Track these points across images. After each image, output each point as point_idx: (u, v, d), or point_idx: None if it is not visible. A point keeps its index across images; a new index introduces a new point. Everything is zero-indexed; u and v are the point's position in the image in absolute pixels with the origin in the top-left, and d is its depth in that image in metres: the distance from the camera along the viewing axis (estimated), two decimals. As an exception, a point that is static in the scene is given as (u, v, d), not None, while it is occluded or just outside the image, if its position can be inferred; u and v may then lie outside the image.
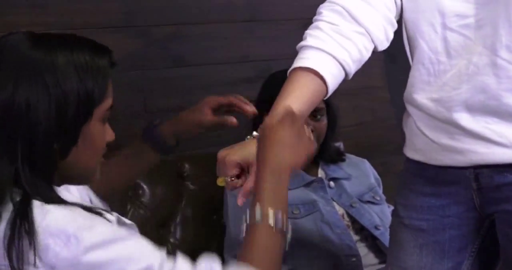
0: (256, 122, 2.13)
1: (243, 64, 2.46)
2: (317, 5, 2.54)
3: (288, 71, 1.46)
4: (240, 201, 1.37)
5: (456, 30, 1.47)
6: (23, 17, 2.08)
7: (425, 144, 1.55)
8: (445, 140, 1.51)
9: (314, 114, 2.13)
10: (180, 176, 2.27)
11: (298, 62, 1.44)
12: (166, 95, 2.15)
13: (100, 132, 1.30)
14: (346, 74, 1.45)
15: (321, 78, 1.41)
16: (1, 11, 2.04)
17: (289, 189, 1.99)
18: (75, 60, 1.22)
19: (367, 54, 1.49)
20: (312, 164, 2.22)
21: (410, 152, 1.59)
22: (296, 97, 1.41)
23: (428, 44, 1.51)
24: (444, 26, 1.48)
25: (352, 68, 1.45)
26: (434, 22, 1.49)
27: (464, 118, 1.47)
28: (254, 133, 1.41)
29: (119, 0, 2.25)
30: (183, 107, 2.22)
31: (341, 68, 1.44)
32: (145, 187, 2.10)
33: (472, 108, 1.46)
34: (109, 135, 1.33)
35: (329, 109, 2.09)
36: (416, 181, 1.58)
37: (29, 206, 1.16)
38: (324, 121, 2.10)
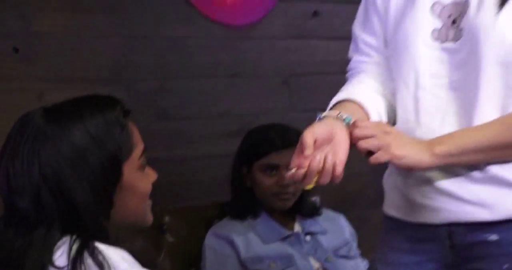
0: (235, 175, 2.24)
1: (226, 119, 2.49)
2: (298, 62, 2.61)
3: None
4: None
5: (428, 90, 1.49)
6: (15, 70, 2.08)
7: (402, 201, 1.55)
8: (420, 198, 1.50)
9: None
10: (160, 228, 2.23)
11: (337, 98, 1.48)
12: (149, 147, 2.15)
13: (139, 180, 1.30)
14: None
15: (365, 111, 1.46)
16: (-7, 64, 2.07)
17: (266, 243, 2.01)
18: (89, 129, 1.22)
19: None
20: (288, 218, 2.20)
21: (389, 209, 1.58)
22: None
23: (401, 103, 1.52)
24: (417, 85, 1.49)
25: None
26: (408, 81, 1.50)
27: (437, 178, 1.48)
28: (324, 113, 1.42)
29: (107, 54, 2.27)
30: (166, 160, 2.32)
31: (376, 111, 1.49)
32: (124, 238, 2.06)
33: (446, 168, 1.46)
34: (152, 176, 1.34)
35: None
36: (394, 238, 1.58)
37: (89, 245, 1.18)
38: None
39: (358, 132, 1.37)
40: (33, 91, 2.06)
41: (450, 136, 1.43)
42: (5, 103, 2.00)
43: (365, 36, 1.59)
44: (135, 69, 2.31)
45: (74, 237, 1.19)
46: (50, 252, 1.17)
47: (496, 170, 1.44)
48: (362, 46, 1.59)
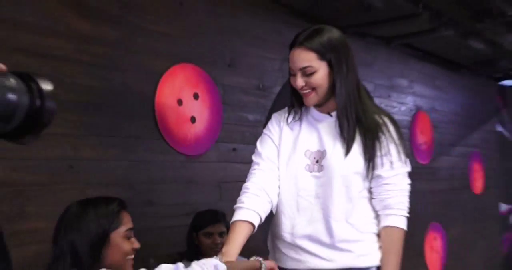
0: (189, 237, 2.28)
1: (185, 206, 2.50)
2: (225, 175, 2.68)
3: (231, 221, 1.45)
4: None
5: (303, 198, 1.51)
6: (69, 179, 2.04)
7: (281, 256, 1.55)
8: (293, 254, 1.53)
9: (221, 235, 2.20)
10: (147, 265, 1.95)
11: (238, 216, 1.44)
12: (143, 221, 2.15)
13: (122, 244, 1.32)
14: (261, 222, 1.47)
15: (252, 225, 1.43)
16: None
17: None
18: (97, 212, 1.31)
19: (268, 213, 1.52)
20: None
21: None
22: (237, 243, 1.39)
23: (287, 203, 1.53)
24: (298, 195, 1.51)
25: (263, 220, 1.49)
26: (292, 192, 1.52)
27: (306, 244, 1.50)
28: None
29: (120, 172, 2.24)
30: (152, 228, 2.30)
31: (259, 219, 1.45)
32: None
33: (311, 239, 1.49)
34: (134, 244, 1.36)
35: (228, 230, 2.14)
36: None
37: None
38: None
39: None
40: (79, 190, 2.03)
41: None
42: (64, 198, 1.89)
43: (264, 151, 1.54)
44: (133, 178, 2.31)
45: None
46: None
47: (340, 245, 1.48)
48: (263, 156, 1.54)
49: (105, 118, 2.22)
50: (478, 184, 5.29)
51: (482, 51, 4.35)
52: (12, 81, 0.57)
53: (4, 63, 0.60)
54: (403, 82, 4.35)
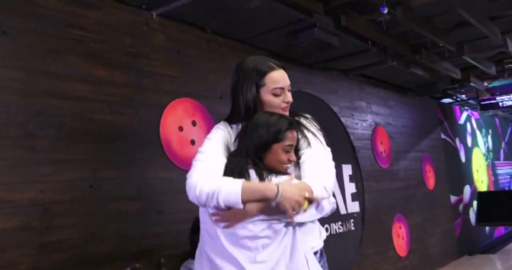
0: (192, 243, 1.97)
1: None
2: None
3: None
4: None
5: None
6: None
7: None
8: None
9: None
10: (158, 264, 1.92)
11: None
12: None
13: (280, 155, 1.29)
14: None
15: None
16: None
17: None
18: (269, 125, 1.28)
19: None
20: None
21: None
22: None
23: None
24: None
25: None
26: None
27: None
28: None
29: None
30: None
31: None
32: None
33: None
34: (291, 157, 1.30)
35: None
36: None
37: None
38: None
39: None
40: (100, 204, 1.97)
41: None
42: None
43: None
44: (146, 192, 2.15)
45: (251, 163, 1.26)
46: (247, 167, 1.25)
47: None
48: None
49: (120, 145, 2.11)
50: (430, 181, 5.11)
51: (422, 77, 4.27)
52: None
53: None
54: (363, 104, 4.23)
